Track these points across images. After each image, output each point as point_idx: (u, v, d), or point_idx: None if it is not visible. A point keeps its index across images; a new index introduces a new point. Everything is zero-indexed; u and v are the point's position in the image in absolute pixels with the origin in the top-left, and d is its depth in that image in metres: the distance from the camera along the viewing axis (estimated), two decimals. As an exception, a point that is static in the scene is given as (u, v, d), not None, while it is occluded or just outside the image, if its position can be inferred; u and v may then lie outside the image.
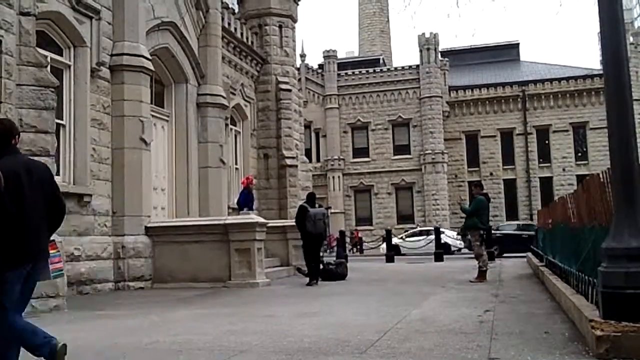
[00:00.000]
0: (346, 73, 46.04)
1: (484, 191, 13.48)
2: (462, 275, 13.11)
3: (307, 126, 39.20)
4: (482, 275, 11.80)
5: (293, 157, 20.95)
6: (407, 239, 29.24)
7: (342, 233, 24.12)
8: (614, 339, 4.27)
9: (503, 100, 46.05)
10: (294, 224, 16.44)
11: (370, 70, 46.40)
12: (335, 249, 24.11)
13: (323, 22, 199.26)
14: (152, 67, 13.14)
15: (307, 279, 12.51)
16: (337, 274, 13.28)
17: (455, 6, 51.49)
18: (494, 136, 46.03)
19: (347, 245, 27.48)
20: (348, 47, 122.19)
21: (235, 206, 16.81)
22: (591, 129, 44.20)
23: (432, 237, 22.45)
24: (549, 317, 6.70)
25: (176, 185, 15.19)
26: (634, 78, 36.52)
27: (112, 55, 12.50)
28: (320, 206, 13.99)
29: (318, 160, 45.09)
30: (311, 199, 13.37)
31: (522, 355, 4.71)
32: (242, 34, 20.05)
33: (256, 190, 18.78)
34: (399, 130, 44.50)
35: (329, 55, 46.41)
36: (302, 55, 44.77)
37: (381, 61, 52.65)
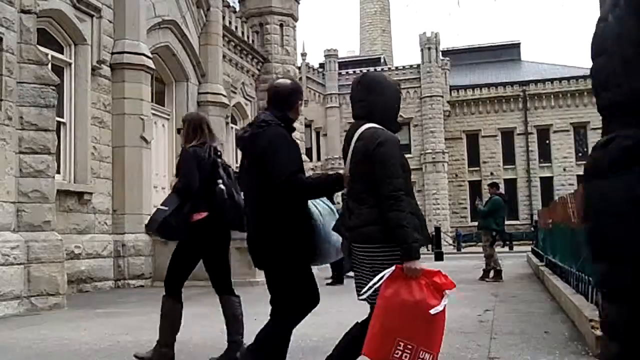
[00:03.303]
0: (347, 72, 45.95)
1: (500, 191, 13.30)
2: (462, 275, 13.10)
3: (308, 125, 39.19)
4: (498, 275, 11.84)
5: (293, 156, 20.93)
6: None
7: None
8: (614, 339, 4.26)
9: (504, 100, 46.03)
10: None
11: (371, 69, 46.31)
12: None
13: (324, 21, 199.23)
14: (153, 66, 13.14)
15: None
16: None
17: (456, 5, 51.46)
18: (495, 136, 46.02)
19: None
20: (349, 46, 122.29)
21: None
22: (592, 129, 44.16)
23: None
24: (549, 317, 6.70)
25: (176, 184, 15.19)
26: (635, 78, 36.44)
27: (112, 53, 12.51)
28: (338, 202, 13.59)
29: (319, 159, 45.07)
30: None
31: (522, 354, 4.70)
32: (243, 32, 20.04)
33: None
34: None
35: (330, 54, 46.38)
36: (303, 54, 44.73)
37: (382, 60, 52.60)
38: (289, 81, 3.76)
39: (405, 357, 2.88)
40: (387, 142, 3.12)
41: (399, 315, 2.90)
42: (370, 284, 2.98)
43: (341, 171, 3.39)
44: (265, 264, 3.46)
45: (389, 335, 2.91)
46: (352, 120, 3.36)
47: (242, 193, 4.36)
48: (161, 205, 4.58)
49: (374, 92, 3.26)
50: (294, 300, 3.44)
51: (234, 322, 4.66)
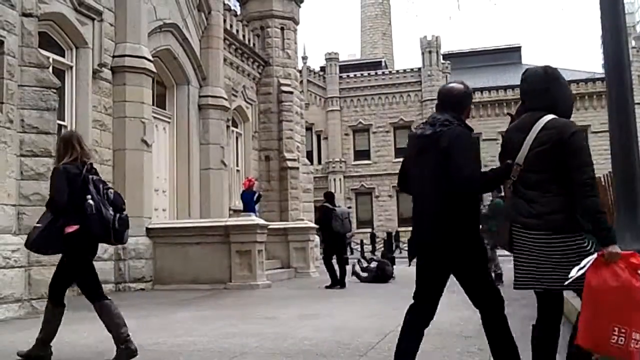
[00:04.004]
0: (348, 75, 46.04)
1: (501, 194, 13.33)
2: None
3: (309, 128, 39.18)
4: (498, 279, 11.84)
5: (294, 159, 20.94)
6: None
7: (389, 234, 24.87)
8: (615, 342, 4.26)
9: (505, 104, 45.98)
10: (297, 225, 16.48)
11: (372, 72, 46.38)
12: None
13: (325, 25, 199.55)
14: (154, 69, 13.15)
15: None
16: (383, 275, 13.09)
17: (457, 9, 51.60)
18: (496, 139, 45.92)
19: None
20: (350, 49, 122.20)
21: (236, 208, 16.79)
22: (593, 132, 44.13)
23: None
24: (550, 321, 6.68)
25: (177, 187, 15.19)
26: (636, 82, 36.48)
27: (114, 56, 12.52)
28: (339, 206, 13.54)
29: (319, 162, 45.07)
30: (331, 198, 12.96)
31: (523, 358, 4.69)
32: (244, 36, 20.06)
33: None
34: (401, 133, 44.44)
35: (331, 57, 46.41)
36: (304, 58, 44.78)
37: (383, 64, 52.67)
38: (462, 85, 3.84)
39: (621, 341, 2.93)
40: (580, 132, 3.22)
41: (609, 301, 2.95)
42: (573, 273, 3.01)
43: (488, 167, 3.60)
44: (462, 261, 3.55)
45: (603, 322, 2.95)
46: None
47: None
48: (37, 223, 4.98)
49: (556, 85, 3.37)
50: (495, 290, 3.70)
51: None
